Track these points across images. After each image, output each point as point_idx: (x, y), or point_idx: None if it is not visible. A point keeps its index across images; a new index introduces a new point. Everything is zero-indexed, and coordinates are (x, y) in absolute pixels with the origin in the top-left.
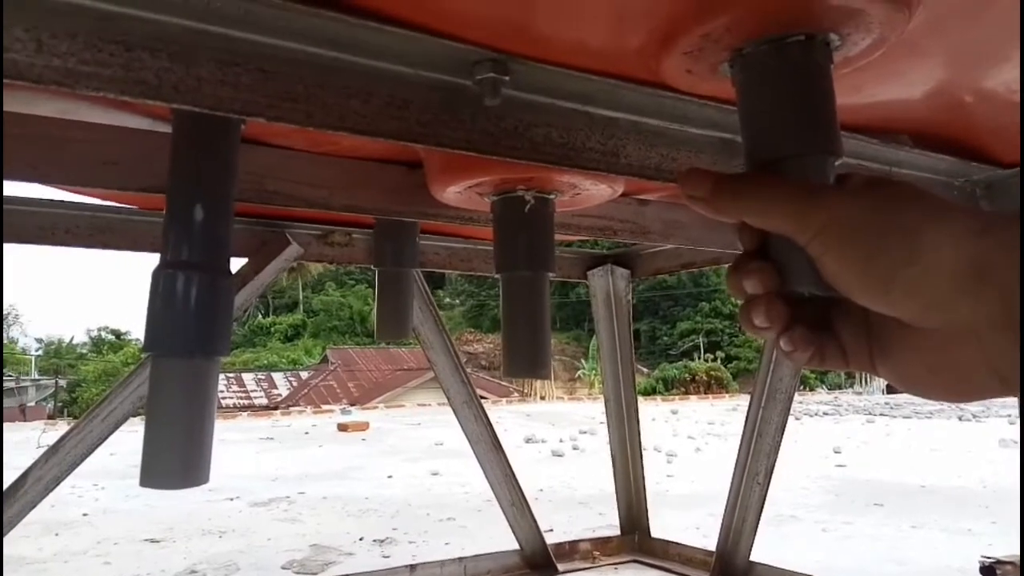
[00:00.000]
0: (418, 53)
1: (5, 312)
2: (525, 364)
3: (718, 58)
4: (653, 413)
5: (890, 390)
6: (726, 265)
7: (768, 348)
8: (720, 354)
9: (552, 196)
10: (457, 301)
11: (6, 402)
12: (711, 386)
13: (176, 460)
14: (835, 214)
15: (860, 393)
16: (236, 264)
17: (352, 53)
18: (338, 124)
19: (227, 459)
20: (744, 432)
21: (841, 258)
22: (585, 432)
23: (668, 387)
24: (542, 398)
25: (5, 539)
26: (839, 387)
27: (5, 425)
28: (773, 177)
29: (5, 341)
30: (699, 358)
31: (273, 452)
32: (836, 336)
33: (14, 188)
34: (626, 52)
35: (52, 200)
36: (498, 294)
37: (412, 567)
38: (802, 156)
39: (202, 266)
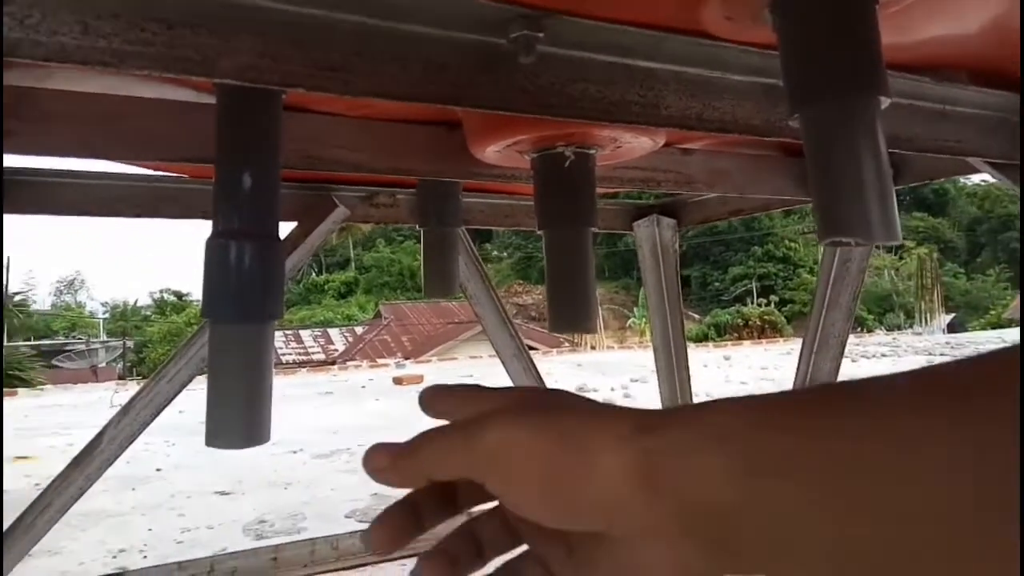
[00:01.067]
0: (452, 15)
1: (72, 278)
2: (570, 319)
3: (759, 3)
4: (705, 359)
5: (951, 329)
6: (775, 211)
7: (820, 292)
8: (774, 298)
9: (592, 151)
10: (505, 254)
11: (79, 363)
12: (764, 331)
13: (237, 421)
14: (498, 449)
15: (920, 333)
16: (285, 228)
17: (387, 18)
18: (376, 91)
19: (289, 413)
20: (796, 377)
21: (518, 497)
22: (636, 380)
23: (720, 333)
24: (592, 348)
25: (88, 493)
26: (898, 327)
27: (80, 386)
28: (441, 428)
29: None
30: (752, 303)
31: (332, 406)
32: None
33: (70, 164)
34: (664, 1)
35: (107, 173)
36: None
37: (470, 511)
38: (846, 98)
39: (252, 234)
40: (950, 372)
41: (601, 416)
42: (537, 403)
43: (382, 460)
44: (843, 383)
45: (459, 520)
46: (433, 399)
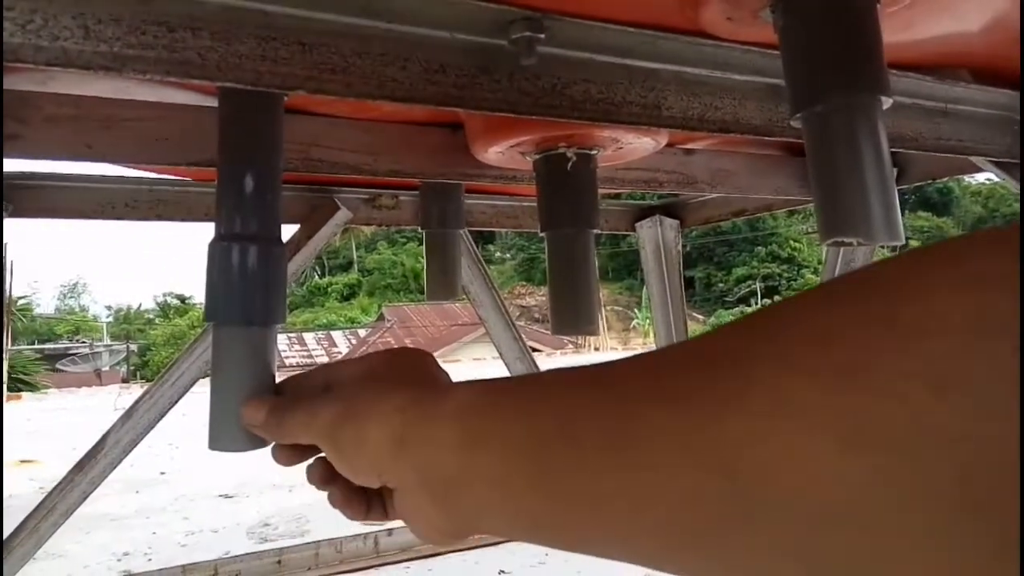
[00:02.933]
0: (452, 16)
1: (75, 281)
2: (573, 321)
3: (759, 3)
4: None
5: None
6: (779, 211)
7: None
8: (777, 298)
9: (594, 152)
10: (508, 255)
11: (83, 367)
12: None
13: (240, 424)
14: (320, 422)
15: None
16: (288, 231)
17: (388, 20)
18: (377, 92)
19: None
20: None
21: (333, 457)
22: None
23: None
24: (596, 349)
25: (92, 496)
26: None
27: (83, 389)
28: (303, 400)
29: (77, 308)
30: (756, 303)
31: None
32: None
33: (72, 167)
34: (664, 1)
35: (109, 176)
36: None
37: None
38: (848, 97)
39: (254, 237)
40: (629, 364)
41: (386, 395)
42: (368, 374)
43: (257, 419)
44: (581, 367)
45: None
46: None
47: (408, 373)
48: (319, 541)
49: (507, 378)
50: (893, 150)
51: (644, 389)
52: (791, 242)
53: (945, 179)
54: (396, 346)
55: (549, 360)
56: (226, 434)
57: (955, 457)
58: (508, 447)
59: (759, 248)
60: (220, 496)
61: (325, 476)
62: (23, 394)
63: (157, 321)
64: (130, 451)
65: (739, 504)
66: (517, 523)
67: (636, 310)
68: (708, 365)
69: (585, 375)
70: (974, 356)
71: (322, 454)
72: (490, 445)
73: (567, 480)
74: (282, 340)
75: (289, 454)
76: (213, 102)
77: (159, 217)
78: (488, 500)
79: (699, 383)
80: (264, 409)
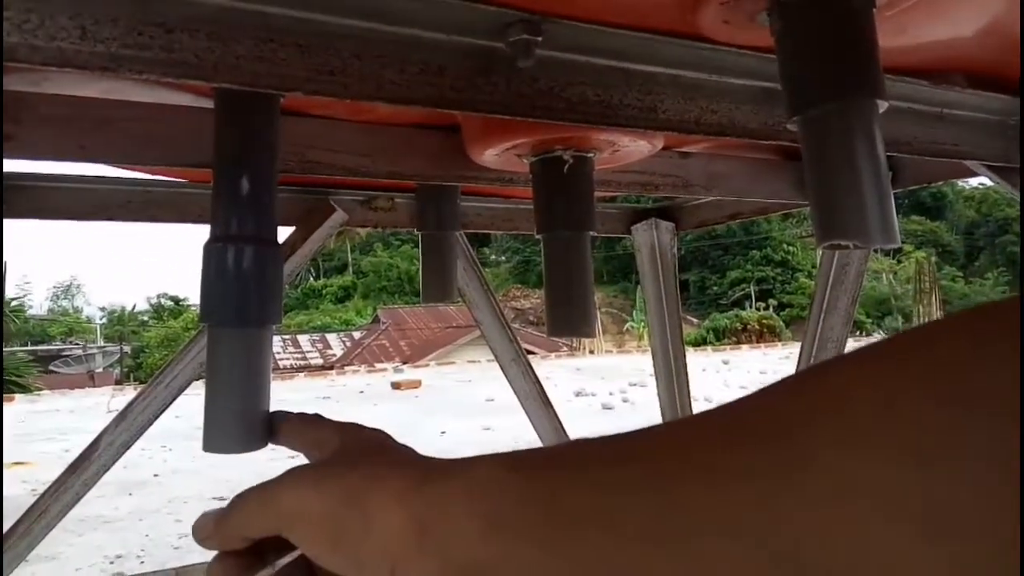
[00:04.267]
0: (450, 18)
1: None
2: (569, 323)
3: (756, 7)
4: (704, 364)
5: None
6: (773, 214)
7: (818, 296)
8: (772, 302)
9: (591, 155)
10: (503, 258)
11: (76, 369)
12: (763, 335)
13: (235, 426)
14: (292, 509)
15: None
16: (284, 233)
17: (386, 22)
18: (374, 94)
19: None
20: None
21: (322, 550)
22: (635, 384)
23: (719, 337)
24: (591, 352)
25: (85, 498)
26: (896, 331)
27: (77, 391)
28: (248, 492)
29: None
30: (751, 307)
31: (331, 411)
32: None
33: (66, 168)
34: (661, 5)
35: (104, 177)
36: None
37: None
38: (844, 101)
39: (250, 238)
40: (660, 434)
41: (387, 472)
42: (339, 455)
43: (206, 529)
44: (607, 438)
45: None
46: (279, 427)
47: (389, 449)
48: None
49: (527, 452)
50: (887, 154)
51: (685, 465)
52: (785, 246)
53: (939, 183)
54: (343, 420)
55: (544, 363)
56: (221, 436)
57: None
58: (542, 534)
59: (753, 251)
60: (213, 499)
61: None
62: (15, 396)
63: (151, 323)
64: (123, 453)
65: None
66: None
67: (631, 313)
68: (755, 438)
69: (617, 449)
70: None
71: (288, 556)
72: (521, 531)
73: (606, 570)
74: (276, 342)
75: (234, 567)
76: (209, 103)
77: (153, 219)
78: None
79: (746, 459)
80: (209, 518)
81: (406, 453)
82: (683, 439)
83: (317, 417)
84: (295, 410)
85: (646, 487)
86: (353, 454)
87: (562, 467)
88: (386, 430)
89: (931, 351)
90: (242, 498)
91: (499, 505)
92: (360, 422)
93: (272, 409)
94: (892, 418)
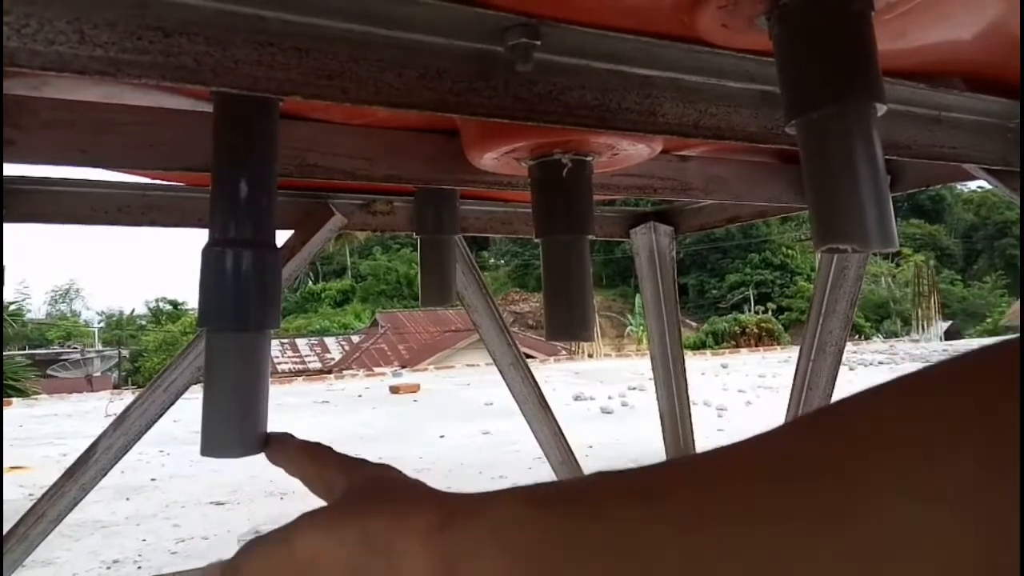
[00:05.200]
0: (449, 22)
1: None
2: (567, 327)
3: (754, 10)
4: (703, 367)
5: (948, 336)
6: (772, 218)
7: (817, 299)
8: (771, 305)
9: (590, 158)
10: (502, 261)
11: (74, 373)
12: (762, 338)
13: (233, 430)
14: (308, 557)
15: (917, 340)
16: (283, 236)
17: (385, 26)
18: (373, 98)
19: (285, 423)
20: (794, 386)
21: None
22: (634, 388)
23: (718, 341)
24: (590, 356)
25: (82, 503)
26: (896, 335)
27: (75, 395)
28: (258, 540)
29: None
30: (749, 310)
31: (329, 415)
32: None
33: (64, 172)
34: (660, 8)
35: (102, 181)
36: None
37: None
38: (843, 104)
39: (248, 242)
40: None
41: (406, 512)
42: (351, 495)
43: (284, 451)
44: (632, 471)
45: None
46: (281, 452)
47: (401, 485)
48: None
49: (551, 487)
50: (886, 157)
51: (719, 503)
52: (784, 249)
53: (938, 186)
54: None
55: (543, 367)
56: (218, 440)
57: None
58: (571, 575)
59: (752, 255)
60: (211, 503)
61: None
62: (13, 400)
63: (149, 327)
64: (121, 457)
65: None
66: None
67: (630, 317)
68: (801, 475)
69: (644, 484)
70: None
71: None
72: (550, 573)
73: None
74: (275, 346)
75: None
76: (207, 107)
77: (152, 223)
78: None
79: (789, 498)
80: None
81: (419, 488)
82: (714, 475)
83: (321, 447)
84: (294, 409)
85: (676, 526)
86: (365, 491)
87: (590, 503)
88: (385, 433)
89: (967, 393)
90: (252, 547)
91: (527, 547)
92: (359, 421)
93: (271, 410)
94: (930, 456)
